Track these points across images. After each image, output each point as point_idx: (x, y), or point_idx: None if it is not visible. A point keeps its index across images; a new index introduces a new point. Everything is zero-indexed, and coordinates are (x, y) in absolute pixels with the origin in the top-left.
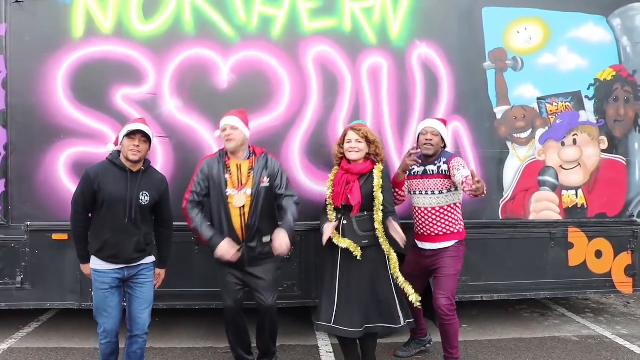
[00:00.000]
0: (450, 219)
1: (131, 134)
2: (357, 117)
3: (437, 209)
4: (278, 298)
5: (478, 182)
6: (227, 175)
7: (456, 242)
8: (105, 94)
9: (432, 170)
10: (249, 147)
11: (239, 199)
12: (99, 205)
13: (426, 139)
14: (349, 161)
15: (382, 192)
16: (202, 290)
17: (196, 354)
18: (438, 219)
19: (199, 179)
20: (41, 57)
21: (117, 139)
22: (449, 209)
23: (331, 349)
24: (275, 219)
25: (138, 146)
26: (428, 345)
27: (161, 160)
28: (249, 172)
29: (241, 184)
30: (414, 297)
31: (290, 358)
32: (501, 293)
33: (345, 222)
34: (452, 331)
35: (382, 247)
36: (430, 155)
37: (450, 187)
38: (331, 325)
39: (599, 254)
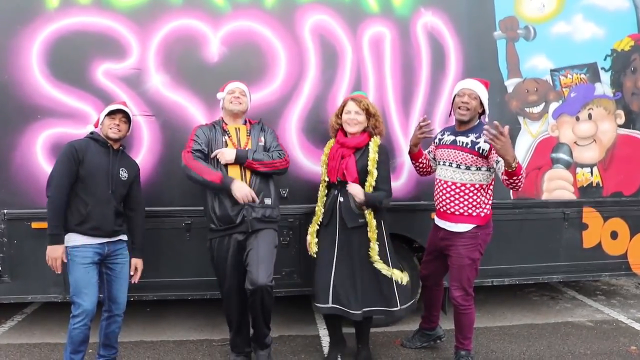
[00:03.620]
0: (473, 200)
1: (112, 113)
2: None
3: (459, 185)
4: (276, 286)
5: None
6: (225, 137)
7: (474, 228)
8: (85, 69)
9: (465, 143)
10: (245, 118)
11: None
12: (80, 179)
13: (462, 102)
14: (345, 134)
15: (376, 168)
16: (195, 279)
17: (190, 346)
18: (458, 196)
19: (197, 140)
20: (13, 31)
21: (98, 120)
22: (473, 189)
23: (327, 332)
24: (273, 180)
25: (118, 125)
26: (437, 341)
27: (147, 140)
28: (248, 133)
29: (240, 145)
30: (403, 278)
31: (290, 349)
32: (512, 277)
33: (341, 199)
34: (466, 322)
35: (368, 228)
36: (466, 121)
37: (483, 165)
38: (332, 305)
39: (614, 235)
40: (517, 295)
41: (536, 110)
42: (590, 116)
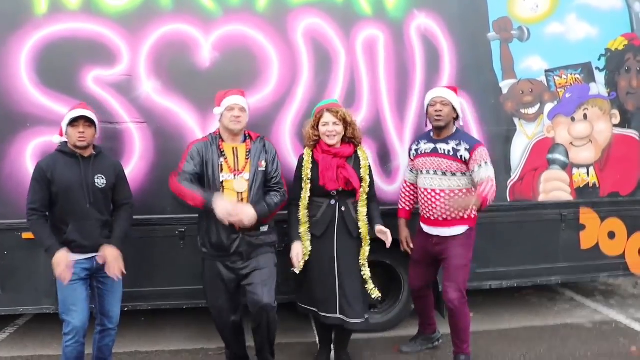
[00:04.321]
0: None
1: (73, 122)
2: (353, 95)
3: (447, 192)
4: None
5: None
6: (221, 160)
7: (467, 229)
8: (74, 76)
9: (447, 151)
10: (244, 131)
11: (239, 184)
12: (55, 198)
13: (435, 110)
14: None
15: (368, 175)
16: (190, 288)
17: (185, 356)
18: (447, 202)
19: (190, 164)
20: (1, 37)
21: (61, 129)
22: (460, 194)
23: (331, 347)
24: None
25: (83, 132)
26: (436, 343)
27: (139, 147)
28: (247, 155)
29: (238, 169)
30: (374, 292)
31: (288, 357)
32: (511, 280)
33: (343, 208)
34: (462, 325)
35: (362, 234)
36: (442, 127)
37: (467, 171)
38: (338, 315)
39: (612, 235)
40: (516, 297)
41: (531, 111)
42: (585, 116)
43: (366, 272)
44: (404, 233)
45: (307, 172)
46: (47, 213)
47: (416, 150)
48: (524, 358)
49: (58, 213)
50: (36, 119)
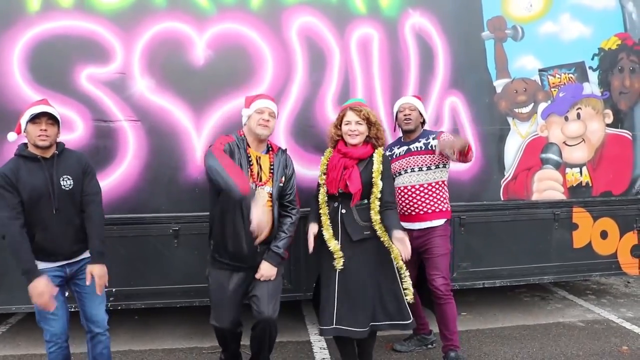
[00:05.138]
0: (438, 197)
1: (35, 118)
2: (347, 93)
3: (425, 185)
4: None
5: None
6: (249, 167)
7: (445, 221)
8: (68, 74)
9: (419, 147)
10: (267, 141)
11: (261, 195)
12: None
13: (404, 115)
14: (346, 144)
15: (381, 179)
16: (184, 286)
17: (179, 355)
18: (426, 196)
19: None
20: None
21: (19, 126)
22: (437, 186)
23: (324, 345)
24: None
25: (45, 130)
26: (430, 346)
27: (133, 145)
28: (271, 169)
29: (260, 180)
30: (409, 296)
31: (282, 356)
32: (503, 279)
33: (344, 211)
34: (450, 313)
35: (382, 239)
36: (412, 130)
37: (439, 163)
38: (334, 327)
39: (604, 235)
40: (508, 296)
41: (525, 110)
42: (579, 116)
43: (405, 275)
44: None
45: (321, 176)
46: (22, 224)
47: (390, 156)
48: (516, 357)
49: (25, 223)
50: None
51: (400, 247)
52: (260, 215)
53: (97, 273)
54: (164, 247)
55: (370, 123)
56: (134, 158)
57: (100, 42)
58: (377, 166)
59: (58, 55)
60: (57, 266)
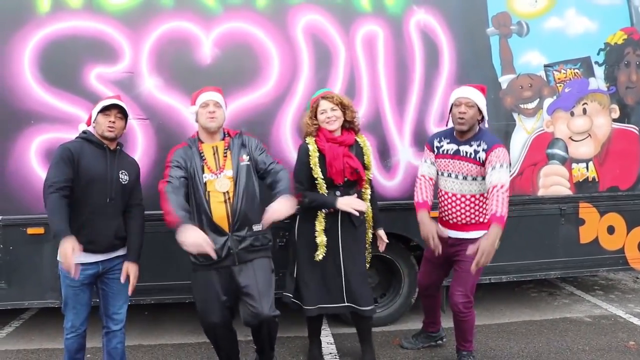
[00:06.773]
0: (481, 209)
1: (106, 110)
2: (353, 91)
3: (468, 197)
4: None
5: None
6: (201, 162)
7: (485, 233)
8: (77, 74)
9: (468, 153)
10: (223, 129)
11: (221, 183)
12: (73, 186)
13: (460, 112)
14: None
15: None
16: None
17: (188, 349)
18: (468, 207)
19: (174, 165)
20: (4, 36)
21: (90, 117)
22: (481, 197)
23: (332, 340)
24: (259, 203)
25: (114, 122)
26: (439, 341)
27: (142, 144)
28: (225, 152)
29: (219, 167)
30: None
31: (289, 351)
32: (510, 274)
33: None
34: (467, 327)
35: (367, 224)
36: (466, 131)
37: (485, 175)
38: (318, 306)
39: (611, 230)
40: (515, 292)
41: (531, 106)
42: (585, 111)
43: (368, 257)
44: (432, 227)
45: (317, 170)
46: (67, 195)
47: (438, 148)
48: (523, 351)
49: (73, 203)
50: (40, 116)
51: (380, 242)
52: (195, 238)
53: (132, 272)
54: (173, 244)
55: (344, 107)
56: (143, 155)
57: (108, 41)
58: (367, 149)
59: (68, 55)
60: (92, 262)
